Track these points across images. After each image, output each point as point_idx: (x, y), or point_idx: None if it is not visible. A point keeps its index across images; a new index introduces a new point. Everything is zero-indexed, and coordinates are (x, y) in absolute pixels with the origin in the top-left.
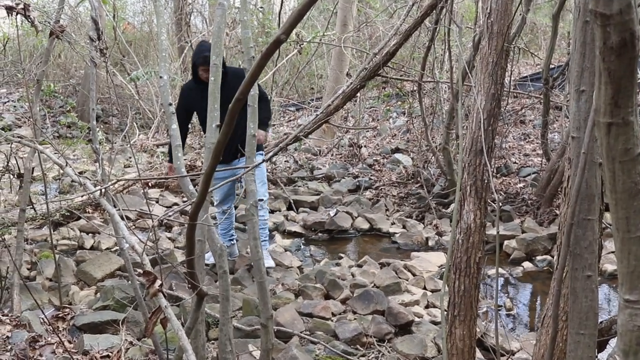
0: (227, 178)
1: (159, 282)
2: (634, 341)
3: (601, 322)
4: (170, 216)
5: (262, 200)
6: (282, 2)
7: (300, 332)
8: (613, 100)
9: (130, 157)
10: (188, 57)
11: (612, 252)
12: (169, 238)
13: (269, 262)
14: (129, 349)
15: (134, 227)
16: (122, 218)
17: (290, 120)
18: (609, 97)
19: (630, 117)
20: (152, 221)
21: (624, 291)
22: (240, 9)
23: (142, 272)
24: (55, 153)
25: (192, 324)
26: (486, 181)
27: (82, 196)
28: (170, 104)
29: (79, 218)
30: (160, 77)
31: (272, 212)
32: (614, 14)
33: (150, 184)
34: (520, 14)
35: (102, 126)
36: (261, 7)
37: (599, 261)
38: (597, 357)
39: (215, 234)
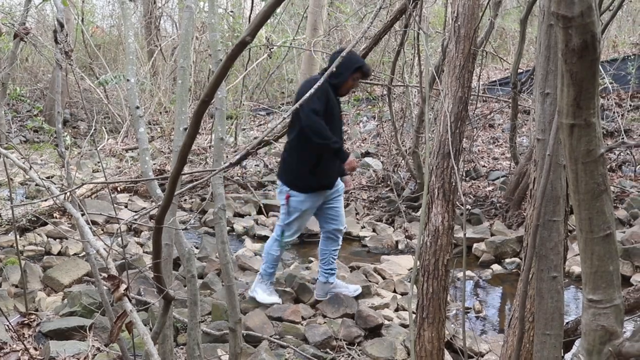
0: (316, 206)
1: (124, 286)
2: (597, 340)
3: (567, 323)
4: (136, 220)
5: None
6: (252, 5)
7: (270, 336)
8: (575, 102)
9: (99, 162)
10: (158, 60)
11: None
12: (138, 243)
13: (350, 288)
14: (96, 355)
15: (102, 232)
16: (88, 223)
17: (261, 125)
18: (571, 99)
19: (592, 119)
20: (119, 226)
21: (587, 291)
22: (208, 12)
23: (106, 276)
24: (21, 158)
25: (159, 328)
26: (454, 184)
27: (45, 200)
28: (138, 107)
29: (46, 223)
30: (128, 80)
31: (242, 216)
32: (576, 17)
33: (119, 189)
34: (489, 19)
35: (70, 130)
36: (231, 11)
37: (565, 262)
38: (563, 357)
39: (183, 238)
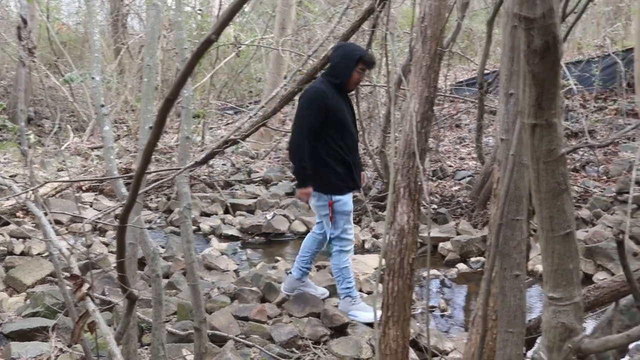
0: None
1: (86, 285)
2: (557, 337)
3: (530, 321)
4: (100, 219)
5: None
6: (220, 4)
7: (236, 336)
8: (537, 102)
9: (64, 161)
10: (125, 58)
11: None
12: (103, 242)
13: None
14: (58, 356)
15: (67, 231)
16: (51, 222)
17: (229, 124)
18: (533, 99)
19: (554, 119)
20: (82, 225)
21: (548, 289)
22: (175, 10)
23: (68, 275)
24: None
25: (123, 328)
26: (419, 183)
27: (7, 199)
28: (103, 105)
29: (8, 223)
30: (93, 78)
31: (208, 215)
32: (537, 18)
33: (84, 188)
34: (456, 20)
35: (34, 129)
36: (199, 10)
37: (527, 261)
38: (525, 354)
39: (148, 237)
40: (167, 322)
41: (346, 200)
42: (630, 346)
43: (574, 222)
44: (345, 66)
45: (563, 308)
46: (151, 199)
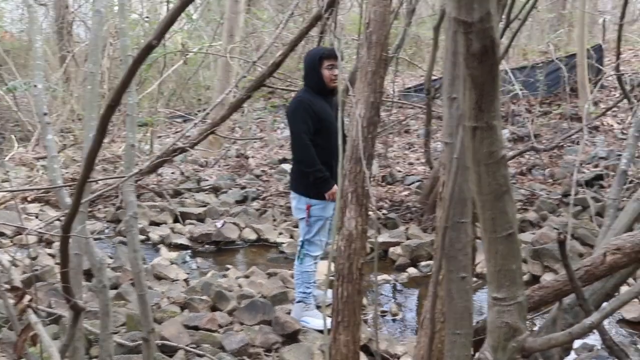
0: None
1: (27, 297)
2: (502, 337)
3: (477, 322)
4: (42, 229)
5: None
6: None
7: (186, 346)
8: (477, 105)
9: (8, 172)
10: (70, 66)
11: None
12: (50, 254)
13: (314, 322)
14: None
15: (11, 243)
16: None
17: (178, 132)
18: (473, 102)
19: (494, 121)
20: (25, 236)
21: (492, 289)
22: (119, 17)
23: (9, 287)
24: None
25: (69, 340)
26: (367, 188)
27: None
28: (46, 114)
29: None
30: (35, 86)
31: (157, 224)
32: (475, 22)
33: (29, 199)
34: (403, 27)
35: None
36: (147, 17)
37: (474, 263)
38: (473, 355)
39: (94, 247)
40: (116, 333)
41: (324, 206)
42: (577, 345)
43: (516, 223)
44: (312, 69)
45: (507, 308)
46: (99, 209)
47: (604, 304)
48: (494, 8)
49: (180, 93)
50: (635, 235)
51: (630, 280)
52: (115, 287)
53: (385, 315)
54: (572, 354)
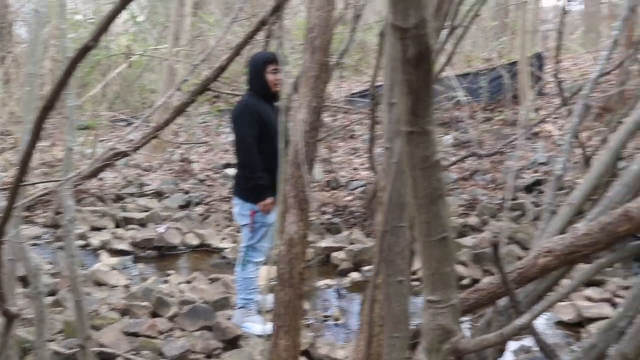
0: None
1: None
2: (436, 339)
3: (416, 325)
4: None
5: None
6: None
7: (125, 352)
8: (412, 110)
9: None
10: (11, 68)
11: None
12: None
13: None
14: None
15: None
16: None
17: (121, 136)
18: (408, 107)
19: (429, 126)
20: None
21: (426, 292)
22: (58, 18)
23: None
24: None
25: (1, 348)
26: (308, 193)
27: None
28: None
29: None
30: None
31: (98, 229)
32: (411, 28)
33: None
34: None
35: None
36: (91, 19)
37: (411, 267)
38: (410, 358)
39: (29, 253)
40: (53, 340)
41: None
42: (515, 347)
43: (450, 227)
44: (256, 74)
45: (441, 310)
46: (38, 214)
47: (536, 306)
48: (429, 15)
49: (125, 96)
50: (566, 237)
51: (566, 281)
52: (53, 293)
53: (327, 320)
54: (510, 356)
